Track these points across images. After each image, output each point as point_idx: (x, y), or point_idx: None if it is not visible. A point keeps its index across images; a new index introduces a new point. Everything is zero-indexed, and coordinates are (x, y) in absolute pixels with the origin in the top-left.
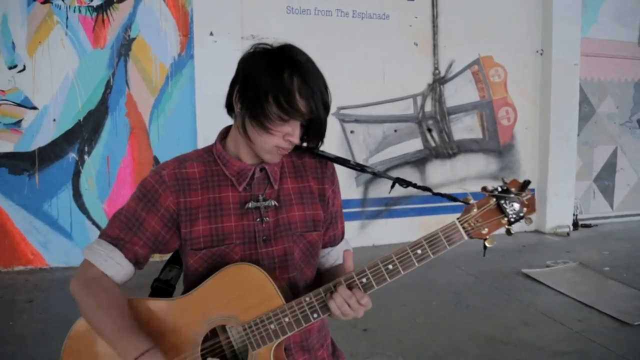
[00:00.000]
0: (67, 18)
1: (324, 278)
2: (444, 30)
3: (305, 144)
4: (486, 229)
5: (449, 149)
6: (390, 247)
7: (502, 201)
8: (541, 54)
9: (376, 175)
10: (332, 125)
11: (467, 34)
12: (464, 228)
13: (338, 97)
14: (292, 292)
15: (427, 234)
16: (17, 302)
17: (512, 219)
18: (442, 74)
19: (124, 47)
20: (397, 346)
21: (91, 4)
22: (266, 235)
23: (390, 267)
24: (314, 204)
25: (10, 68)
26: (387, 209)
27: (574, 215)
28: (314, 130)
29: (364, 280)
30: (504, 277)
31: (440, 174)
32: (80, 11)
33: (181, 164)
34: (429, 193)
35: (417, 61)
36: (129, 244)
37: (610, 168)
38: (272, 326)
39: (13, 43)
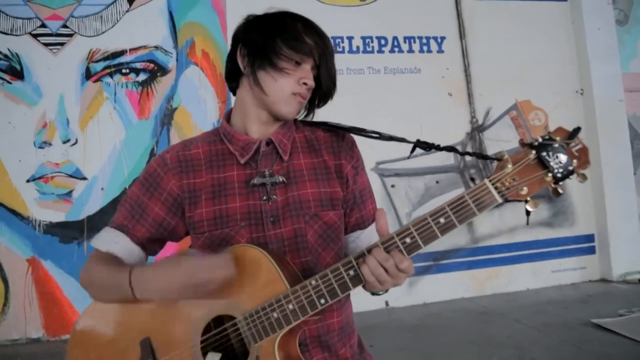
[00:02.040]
0: (115, 94)
1: None
2: (477, 78)
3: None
4: (525, 189)
5: None
6: (442, 304)
7: (544, 153)
8: (581, 94)
9: (394, 139)
10: (372, 180)
11: (502, 80)
12: (496, 188)
13: (376, 152)
14: (306, 278)
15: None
16: None
17: (559, 174)
18: (480, 122)
19: (167, 117)
20: None
21: (137, 79)
22: (274, 216)
23: (408, 240)
24: (330, 181)
25: (64, 142)
26: (436, 263)
27: None
28: (325, 73)
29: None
30: (571, 328)
31: (489, 224)
32: (127, 86)
33: (186, 147)
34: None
35: (453, 111)
36: (132, 229)
37: None
38: (275, 315)
39: (67, 119)
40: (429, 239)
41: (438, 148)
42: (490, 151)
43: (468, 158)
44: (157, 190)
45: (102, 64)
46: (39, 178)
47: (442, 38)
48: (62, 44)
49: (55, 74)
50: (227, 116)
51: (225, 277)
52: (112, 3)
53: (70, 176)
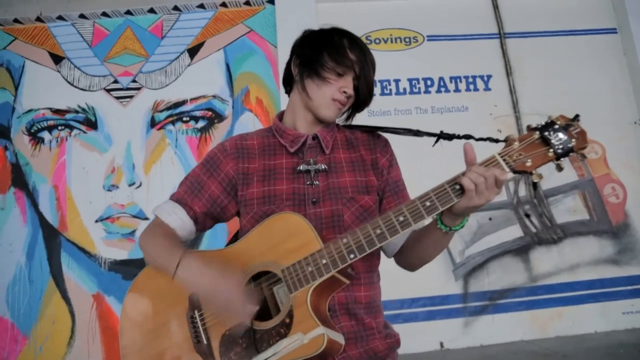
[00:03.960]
0: (176, 140)
1: (412, 244)
2: (527, 114)
3: (349, 110)
4: (530, 161)
5: (552, 234)
6: (500, 346)
7: (547, 132)
8: (639, 125)
9: (411, 133)
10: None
11: (551, 114)
12: (505, 161)
13: (448, 159)
14: None
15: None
16: None
17: (559, 151)
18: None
19: None
20: None
21: (196, 126)
22: (316, 198)
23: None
24: (366, 171)
25: (129, 185)
26: (492, 303)
27: None
28: (364, 85)
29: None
30: None
31: (548, 262)
32: (187, 133)
33: (243, 137)
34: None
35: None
36: (190, 203)
37: None
38: (310, 268)
39: (133, 164)
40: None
41: (458, 137)
42: (546, 186)
43: (521, 193)
44: (215, 171)
45: (165, 113)
46: (106, 218)
47: (489, 76)
48: (131, 97)
49: (124, 123)
50: (280, 116)
51: (233, 321)
52: (176, 59)
53: (134, 217)
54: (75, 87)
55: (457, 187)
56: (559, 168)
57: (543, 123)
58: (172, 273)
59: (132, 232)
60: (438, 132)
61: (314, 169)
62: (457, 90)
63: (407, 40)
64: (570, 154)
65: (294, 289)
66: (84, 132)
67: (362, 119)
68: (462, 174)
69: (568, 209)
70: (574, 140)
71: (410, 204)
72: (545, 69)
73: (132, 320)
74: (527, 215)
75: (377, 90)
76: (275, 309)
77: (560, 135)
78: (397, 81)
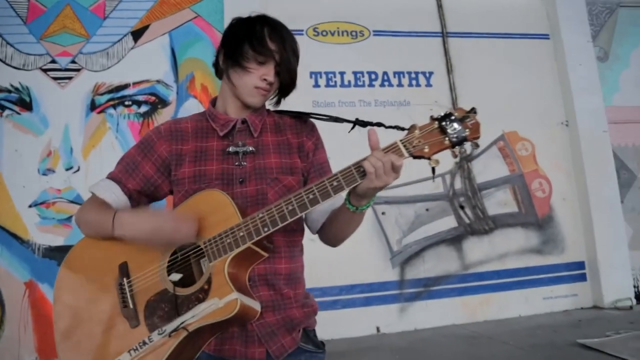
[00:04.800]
0: (117, 124)
1: (329, 222)
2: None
3: (276, 95)
4: (427, 148)
5: (484, 225)
6: (434, 330)
7: (444, 123)
8: (567, 125)
9: (332, 119)
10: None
11: (488, 112)
12: (405, 147)
13: (366, 142)
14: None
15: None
16: None
17: (454, 139)
18: (468, 152)
19: None
20: None
21: (138, 110)
22: (242, 177)
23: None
24: (291, 154)
25: (67, 169)
26: (427, 289)
27: (634, 287)
28: (285, 71)
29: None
30: (557, 349)
31: (479, 251)
32: (129, 117)
33: (177, 121)
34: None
35: None
36: (125, 181)
37: None
38: (228, 240)
39: (71, 148)
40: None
41: (372, 124)
42: (480, 180)
43: (457, 186)
44: (150, 152)
45: (106, 97)
46: (41, 203)
47: (431, 73)
48: (69, 78)
49: (62, 105)
50: (213, 102)
51: (183, 240)
52: (119, 41)
53: (71, 202)
54: (8, 65)
55: (361, 169)
56: (454, 155)
57: (443, 114)
58: (111, 228)
59: (69, 218)
60: (362, 121)
61: (242, 151)
62: (400, 85)
63: (354, 33)
64: (464, 142)
65: (213, 259)
66: (18, 112)
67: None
68: (365, 158)
69: (499, 202)
70: (467, 130)
71: (319, 183)
72: (483, 68)
73: (66, 290)
74: (462, 207)
75: (322, 81)
76: (200, 272)
77: (456, 125)
78: (342, 73)
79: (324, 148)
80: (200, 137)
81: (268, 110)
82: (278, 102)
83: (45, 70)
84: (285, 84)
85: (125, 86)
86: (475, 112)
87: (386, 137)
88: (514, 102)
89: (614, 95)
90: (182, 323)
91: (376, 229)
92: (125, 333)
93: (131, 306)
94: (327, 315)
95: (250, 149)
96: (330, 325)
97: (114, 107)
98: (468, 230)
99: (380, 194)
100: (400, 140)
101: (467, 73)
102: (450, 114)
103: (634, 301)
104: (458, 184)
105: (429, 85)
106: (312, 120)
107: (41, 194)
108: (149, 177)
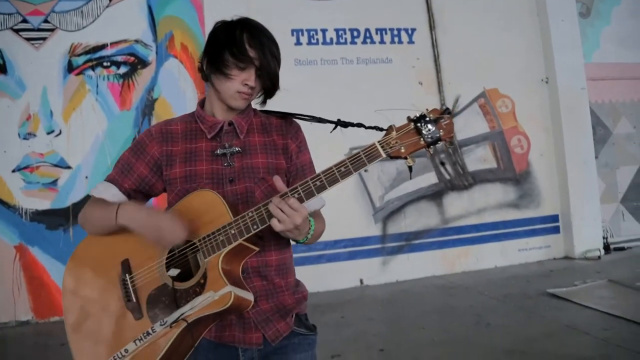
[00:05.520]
0: (97, 86)
1: None
2: (447, 68)
3: (262, 97)
4: (403, 149)
5: (464, 181)
6: (415, 281)
7: (419, 124)
8: (547, 82)
9: (315, 120)
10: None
11: (470, 69)
12: (382, 148)
13: (349, 140)
14: None
15: (350, 157)
16: (50, 346)
17: (429, 139)
18: (450, 109)
19: (148, 108)
20: None
21: (118, 72)
22: (232, 177)
23: (318, 183)
24: (277, 155)
25: (48, 133)
26: (408, 243)
27: (604, 238)
28: (266, 76)
29: (296, 195)
30: (528, 298)
31: (459, 206)
32: (108, 79)
33: (167, 123)
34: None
35: (423, 99)
36: (121, 182)
37: (636, 189)
38: (221, 237)
39: (51, 111)
40: (333, 182)
41: (353, 125)
42: (460, 137)
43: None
44: (142, 154)
45: (83, 58)
46: (24, 168)
47: (413, 30)
48: (43, 39)
49: (38, 67)
50: (202, 103)
51: (172, 243)
52: None
53: (55, 166)
54: None
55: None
56: (429, 153)
57: (418, 114)
58: (114, 218)
59: (54, 182)
60: (343, 122)
61: (229, 152)
62: (382, 42)
63: None
64: (438, 142)
65: (207, 255)
66: None
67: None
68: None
69: (479, 158)
70: (441, 131)
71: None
72: (466, 25)
73: (73, 285)
74: (442, 164)
75: (303, 39)
76: (197, 267)
77: (430, 126)
78: (324, 31)
79: (307, 149)
80: (189, 138)
81: (255, 110)
82: (263, 103)
83: (16, 31)
84: (267, 88)
85: (103, 46)
86: (449, 113)
87: (367, 137)
88: (496, 59)
89: (594, 53)
90: (181, 315)
91: (359, 186)
92: (130, 324)
93: (134, 300)
94: (312, 270)
95: (237, 149)
96: (316, 279)
97: (92, 68)
98: (448, 186)
99: None
100: (378, 142)
101: (450, 30)
102: (425, 115)
103: (602, 252)
104: None
105: (411, 42)
106: (297, 121)
107: (24, 158)
108: (143, 177)
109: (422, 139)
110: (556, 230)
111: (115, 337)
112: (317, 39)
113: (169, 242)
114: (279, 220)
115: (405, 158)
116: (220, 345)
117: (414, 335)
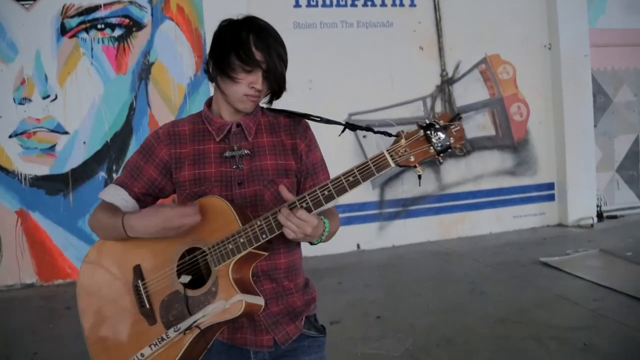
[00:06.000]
0: (92, 49)
1: None
2: (448, 32)
3: (269, 96)
4: (413, 157)
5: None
6: (410, 246)
7: (429, 132)
8: (549, 49)
9: (324, 121)
10: (345, 131)
11: (472, 34)
12: (391, 157)
13: (348, 104)
14: None
15: (359, 164)
16: (56, 309)
17: (439, 148)
18: (450, 75)
19: (144, 72)
20: (409, 330)
21: (112, 34)
22: (241, 180)
23: (326, 192)
24: (286, 156)
25: (44, 98)
26: (405, 209)
27: (597, 206)
28: (273, 79)
29: (304, 205)
30: (522, 266)
31: (456, 173)
32: (103, 42)
33: (175, 124)
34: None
35: (424, 64)
36: (131, 185)
37: (633, 157)
38: (230, 246)
39: (46, 75)
40: (341, 192)
41: (361, 128)
42: (460, 103)
43: (437, 109)
44: (151, 157)
45: (76, 20)
46: (21, 133)
47: None
48: (34, 0)
49: (30, 30)
50: (209, 103)
51: (191, 224)
52: None
53: (52, 131)
54: None
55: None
56: (439, 162)
57: (427, 121)
58: (124, 232)
59: (52, 147)
60: (352, 124)
61: (238, 154)
62: (383, 4)
63: None
64: (449, 150)
65: (218, 263)
66: None
67: (287, 32)
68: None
69: (478, 125)
70: (452, 138)
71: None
72: None
73: (88, 288)
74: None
75: (303, 1)
76: (208, 274)
77: (440, 134)
78: None
79: (317, 147)
80: (197, 140)
81: (262, 110)
82: (270, 102)
83: None
84: (274, 90)
85: (96, 8)
86: (460, 119)
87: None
88: (499, 24)
89: (600, 18)
90: (194, 322)
91: (357, 152)
92: (145, 330)
93: (147, 306)
94: None
95: (246, 152)
96: None
97: (86, 30)
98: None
99: (362, 117)
100: (387, 150)
101: None
102: (435, 123)
103: (595, 220)
104: (438, 107)
105: (412, 5)
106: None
107: (20, 123)
108: (152, 180)
109: (431, 147)
110: (551, 197)
111: (131, 341)
112: (317, 1)
113: (184, 225)
114: (290, 229)
115: (415, 167)
116: (233, 347)
117: (410, 302)
